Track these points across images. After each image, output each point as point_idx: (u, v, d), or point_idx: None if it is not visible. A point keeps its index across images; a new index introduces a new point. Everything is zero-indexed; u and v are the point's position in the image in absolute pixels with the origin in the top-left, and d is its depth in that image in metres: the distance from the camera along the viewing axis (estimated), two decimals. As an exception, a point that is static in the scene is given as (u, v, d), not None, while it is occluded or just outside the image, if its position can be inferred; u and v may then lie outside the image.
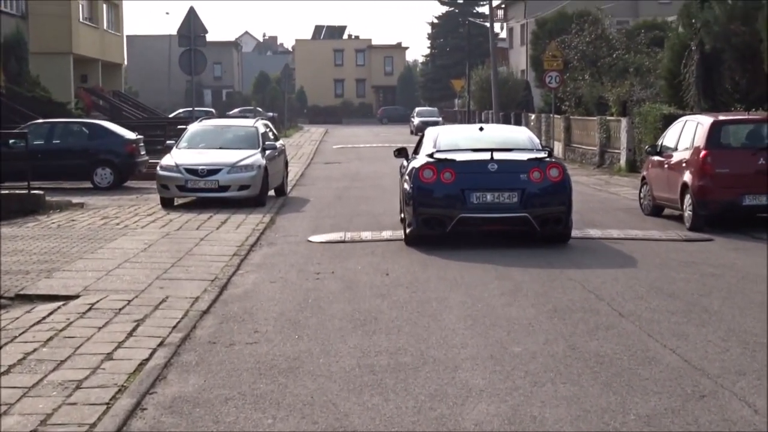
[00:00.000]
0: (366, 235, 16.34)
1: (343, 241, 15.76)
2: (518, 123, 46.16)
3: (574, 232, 15.98)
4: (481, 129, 17.11)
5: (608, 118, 33.99)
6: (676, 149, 18.07)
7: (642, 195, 19.73)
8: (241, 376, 7.84)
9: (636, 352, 8.43)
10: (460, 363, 8.13)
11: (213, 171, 20.78)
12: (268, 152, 22.06)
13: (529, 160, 15.05)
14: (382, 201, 21.92)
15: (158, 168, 21.37)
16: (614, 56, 40.42)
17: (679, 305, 10.42)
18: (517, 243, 15.15)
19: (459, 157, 15.17)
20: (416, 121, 71.16)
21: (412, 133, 67.28)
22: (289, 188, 25.28)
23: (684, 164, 17.33)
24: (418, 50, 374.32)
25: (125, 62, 66.07)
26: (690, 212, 16.91)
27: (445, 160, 15.00)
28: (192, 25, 30.66)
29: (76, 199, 21.80)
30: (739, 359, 8.18)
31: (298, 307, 10.58)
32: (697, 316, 9.86)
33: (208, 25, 33.34)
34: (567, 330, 9.28)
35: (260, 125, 23.56)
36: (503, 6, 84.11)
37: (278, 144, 23.96)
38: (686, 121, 18.44)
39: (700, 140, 17.03)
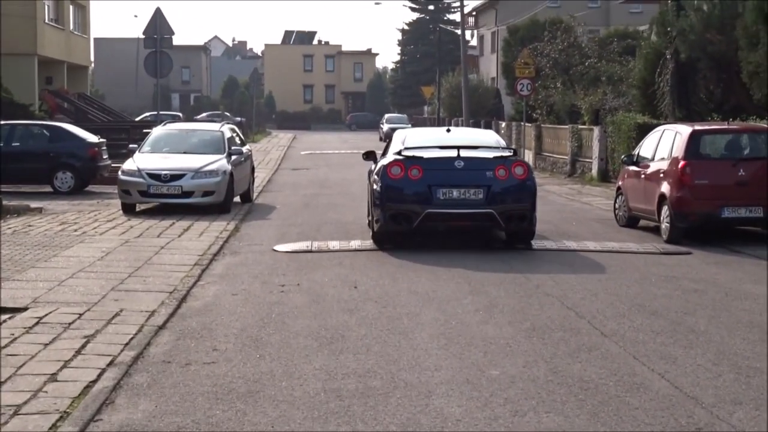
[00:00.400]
0: (334, 244, 15.77)
1: (310, 251, 15.19)
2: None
3: (550, 244, 15.69)
4: (448, 131, 17.42)
5: (580, 126, 33.54)
6: (653, 159, 17.58)
7: (617, 206, 19.22)
8: (196, 401, 7.21)
9: (623, 376, 7.85)
10: (433, 388, 7.53)
11: (176, 176, 20.10)
12: (233, 157, 21.43)
13: (495, 158, 15.31)
14: (350, 209, 21.33)
15: (119, 173, 20.65)
16: (586, 64, 40.06)
17: (663, 324, 9.88)
18: (489, 251, 14.89)
19: (426, 154, 15.35)
20: (385, 127, 70.34)
21: (381, 139, 66.66)
22: (255, 195, 24.64)
23: (662, 175, 16.84)
24: (388, 57, 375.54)
25: (92, 65, 65.15)
26: (667, 224, 16.42)
27: (413, 157, 15.23)
28: (158, 26, 29.97)
29: (34, 204, 21.08)
30: (733, 386, 7.61)
31: (260, 322, 9.96)
32: (684, 337, 9.32)
33: (177, 28, 32.81)
34: (547, 351, 8.70)
35: (226, 129, 22.90)
36: (474, 13, 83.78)
37: (245, 149, 23.32)
38: (664, 131, 17.95)
39: (679, 150, 16.55)
